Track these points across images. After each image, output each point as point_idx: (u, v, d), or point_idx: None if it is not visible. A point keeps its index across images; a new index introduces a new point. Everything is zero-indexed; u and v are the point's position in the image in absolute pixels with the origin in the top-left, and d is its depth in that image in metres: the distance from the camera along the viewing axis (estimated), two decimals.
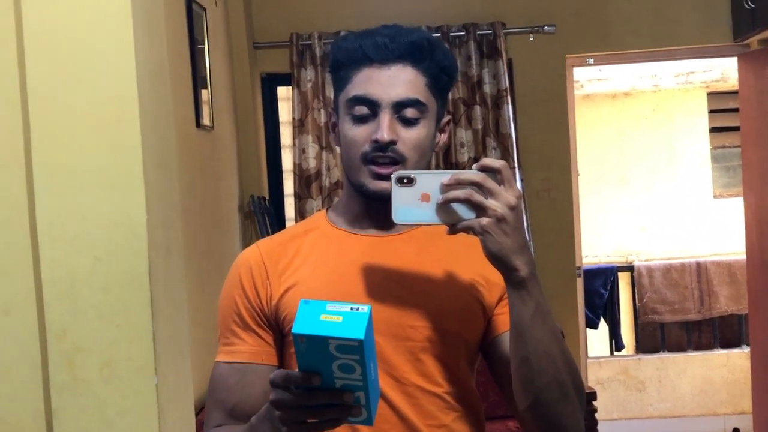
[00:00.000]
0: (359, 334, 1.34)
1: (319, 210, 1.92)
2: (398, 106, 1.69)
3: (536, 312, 1.58)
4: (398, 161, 1.69)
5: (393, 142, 1.68)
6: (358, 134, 1.70)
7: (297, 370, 1.41)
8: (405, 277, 1.74)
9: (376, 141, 1.68)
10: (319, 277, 1.73)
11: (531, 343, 1.59)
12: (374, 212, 1.75)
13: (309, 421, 1.44)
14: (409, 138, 1.70)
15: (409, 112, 1.70)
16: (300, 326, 1.36)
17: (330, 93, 5.11)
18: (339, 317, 1.36)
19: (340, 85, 1.74)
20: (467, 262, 1.77)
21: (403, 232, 1.77)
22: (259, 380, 1.74)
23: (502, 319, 1.75)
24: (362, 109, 1.69)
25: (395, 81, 1.69)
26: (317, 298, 1.68)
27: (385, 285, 1.73)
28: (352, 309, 1.38)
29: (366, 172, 1.69)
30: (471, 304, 1.76)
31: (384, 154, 1.68)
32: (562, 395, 1.63)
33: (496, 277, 1.68)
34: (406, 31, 1.73)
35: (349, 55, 1.71)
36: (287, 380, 1.42)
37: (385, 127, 1.67)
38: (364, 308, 1.38)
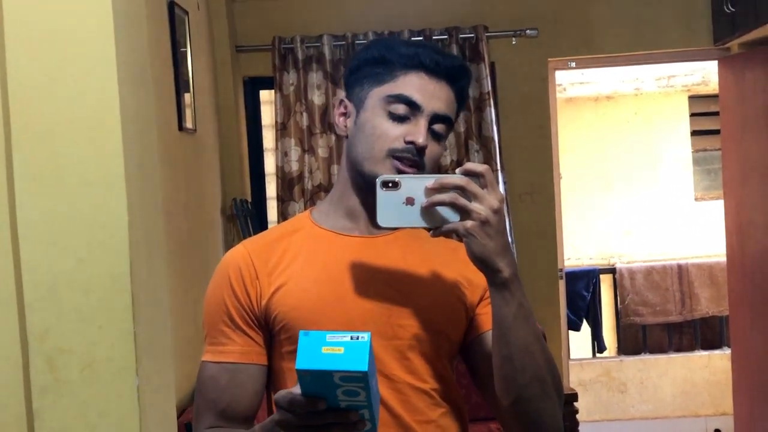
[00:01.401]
0: (363, 365, 1.38)
1: (302, 212, 1.94)
2: (434, 119, 1.75)
3: (518, 312, 1.62)
4: (419, 167, 1.73)
5: (425, 149, 1.72)
6: (392, 130, 1.74)
7: (300, 393, 1.44)
8: (392, 277, 1.77)
9: (411, 143, 1.72)
10: (309, 277, 1.76)
11: (513, 341, 1.64)
12: (370, 206, 1.77)
13: None
14: (433, 151, 1.76)
15: (439, 128, 1.76)
16: (303, 362, 1.38)
17: (313, 97, 5.12)
18: (340, 348, 1.39)
19: (376, 79, 1.77)
20: (450, 263, 1.81)
21: (389, 234, 1.80)
22: (250, 380, 1.78)
23: (484, 319, 1.79)
24: (401, 108, 1.74)
25: (439, 95, 1.75)
26: (308, 297, 1.71)
27: (373, 285, 1.76)
28: (352, 338, 1.40)
29: (389, 166, 1.72)
30: (455, 304, 1.80)
31: (412, 157, 1.72)
32: (543, 392, 1.68)
33: (478, 279, 1.75)
34: (452, 55, 1.84)
35: (401, 56, 1.76)
36: (292, 404, 1.45)
37: (423, 132, 1.72)
38: (364, 336, 1.41)
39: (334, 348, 1.39)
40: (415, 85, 1.74)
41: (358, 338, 1.40)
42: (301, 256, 1.78)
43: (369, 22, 5.22)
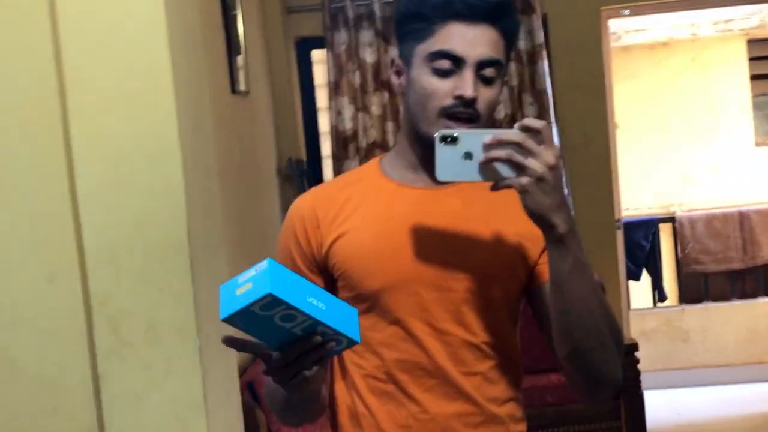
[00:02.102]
0: (265, 288, 1.39)
1: (374, 158, 1.96)
2: (481, 65, 1.73)
3: (574, 266, 1.63)
4: (474, 119, 1.73)
5: (475, 99, 1.72)
6: (439, 87, 1.73)
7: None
8: (451, 230, 1.79)
9: (460, 97, 1.71)
10: (367, 228, 1.79)
11: (569, 296, 1.64)
12: (428, 162, 1.77)
13: (302, 371, 1.52)
14: (486, 97, 1.74)
15: (489, 72, 1.74)
16: (223, 310, 1.42)
17: (364, 55, 5.13)
18: (249, 284, 1.41)
19: (417, 36, 1.76)
20: (511, 216, 1.79)
21: (451, 186, 1.80)
22: None
23: (545, 269, 1.79)
24: (445, 64, 1.73)
25: (481, 40, 1.73)
26: (365, 249, 1.76)
27: (430, 238, 1.77)
28: (257, 270, 1.42)
29: (442, 126, 1.71)
30: (514, 257, 1.80)
31: (465, 110, 1.72)
32: (600, 345, 1.68)
33: (538, 231, 1.74)
34: None
35: (434, 8, 1.73)
36: (265, 361, 1.53)
37: (470, 84, 1.71)
38: (263, 263, 1.42)
39: (244, 286, 1.41)
40: (453, 36, 1.72)
41: (260, 267, 1.42)
42: (362, 207, 1.82)
43: None
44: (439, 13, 1.73)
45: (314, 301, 1.44)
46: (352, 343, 1.50)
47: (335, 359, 1.85)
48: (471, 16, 1.72)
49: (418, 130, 1.77)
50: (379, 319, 1.77)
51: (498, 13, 1.74)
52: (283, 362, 1.50)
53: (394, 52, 1.84)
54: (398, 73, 1.83)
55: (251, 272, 1.42)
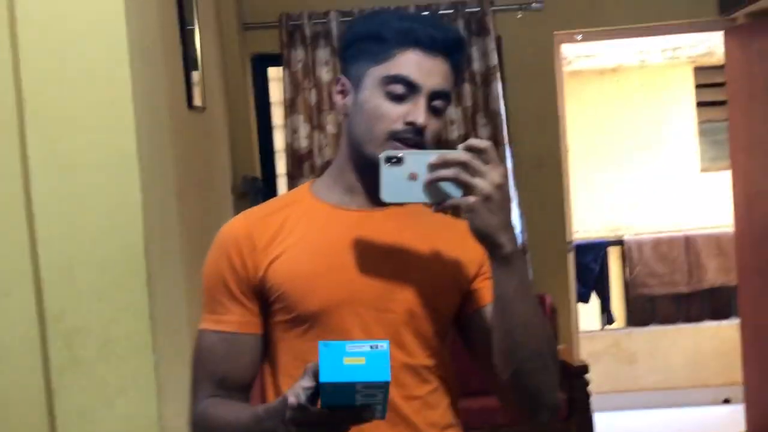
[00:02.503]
0: (385, 376, 1.39)
1: (302, 184, 1.95)
2: (434, 95, 1.74)
3: (519, 287, 1.63)
4: (420, 146, 1.73)
5: (425, 128, 1.72)
6: (391, 111, 1.73)
7: (319, 404, 1.46)
8: (388, 251, 1.78)
9: (411, 123, 1.72)
10: (305, 249, 1.77)
11: (514, 316, 1.65)
12: (367, 184, 1.78)
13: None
14: (434, 128, 1.75)
15: (439, 103, 1.76)
16: (326, 374, 1.39)
17: (321, 73, 5.12)
18: (362, 359, 1.40)
19: (373, 58, 1.76)
20: (445, 239, 1.82)
21: (386, 209, 1.79)
22: (248, 350, 1.79)
23: (481, 294, 1.80)
24: (399, 89, 1.73)
25: (436, 71, 1.74)
26: (303, 270, 1.73)
27: (368, 259, 1.76)
28: (372, 348, 1.41)
29: (389, 148, 1.70)
30: (449, 280, 1.81)
31: (413, 137, 1.72)
32: (542, 366, 1.69)
33: (473, 254, 1.78)
34: (446, 27, 1.81)
35: (396, 33, 1.74)
36: (310, 415, 1.47)
37: (423, 112, 1.72)
38: (384, 345, 1.42)
39: (355, 359, 1.40)
40: (412, 63, 1.73)
41: (377, 347, 1.41)
42: (298, 228, 1.79)
43: None
44: (401, 39, 1.74)
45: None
46: (380, 418, 1.50)
47: (270, 382, 1.82)
48: (430, 46, 1.74)
49: (362, 151, 1.76)
50: (318, 342, 1.75)
51: (454, 48, 1.77)
52: (325, 421, 1.47)
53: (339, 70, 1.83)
54: (343, 93, 1.82)
55: (364, 347, 1.41)
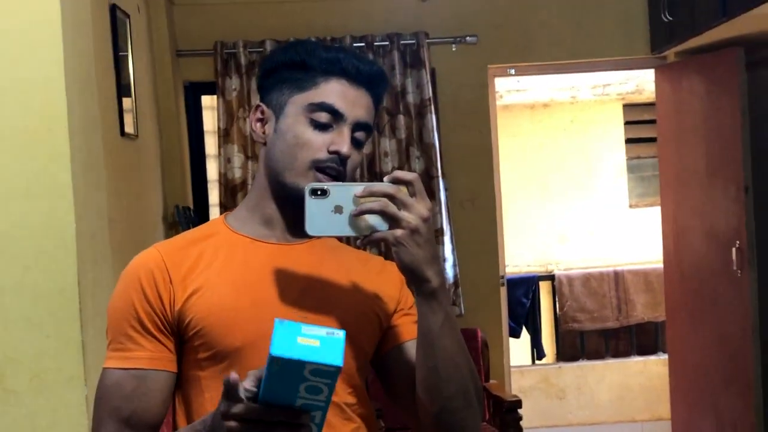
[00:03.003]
0: (338, 360, 1.36)
1: (215, 218, 1.90)
2: (356, 127, 1.73)
3: (445, 321, 1.61)
4: (341, 177, 1.71)
5: (348, 158, 1.70)
6: (315, 139, 1.70)
7: (258, 385, 1.40)
8: (308, 285, 1.74)
9: (336, 152, 1.69)
10: (225, 282, 1.71)
11: (440, 351, 1.62)
12: (286, 215, 1.76)
13: None
14: (355, 159, 1.74)
15: (360, 135, 1.74)
16: (278, 349, 1.35)
17: (256, 101, 5.09)
18: (316, 341, 1.37)
19: (296, 85, 1.73)
20: (363, 274, 1.80)
21: (305, 242, 1.77)
22: (159, 387, 1.70)
23: (399, 331, 1.78)
24: (324, 117, 1.70)
25: (359, 102, 1.73)
26: (223, 305, 1.68)
27: (289, 292, 1.72)
28: (327, 333, 1.38)
29: (311, 177, 1.68)
30: (369, 315, 1.78)
31: (336, 167, 1.70)
32: (467, 403, 1.67)
33: (391, 290, 1.77)
34: (370, 61, 1.80)
35: (322, 62, 1.72)
36: (248, 411, 1.41)
37: (347, 142, 1.70)
38: (339, 333, 1.39)
39: (309, 340, 1.37)
40: (337, 92, 1.72)
41: (333, 334, 1.39)
42: (217, 261, 1.74)
43: (311, 27, 5.21)
44: (326, 68, 1.72)
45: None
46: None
47: (183, 421, 1.75)
48: (355, 77, 1.73)
49: (282, 181, 1.73)
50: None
51: (376, 81, 1.77)
52: (259, 417, 1.41)
53: (257, 98, 1.79)
54: (262, 121, 1.78)
55: (321, 330, 1.38)
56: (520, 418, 4.71)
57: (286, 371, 1.36)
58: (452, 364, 1.63)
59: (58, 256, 2.51)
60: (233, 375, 1.41)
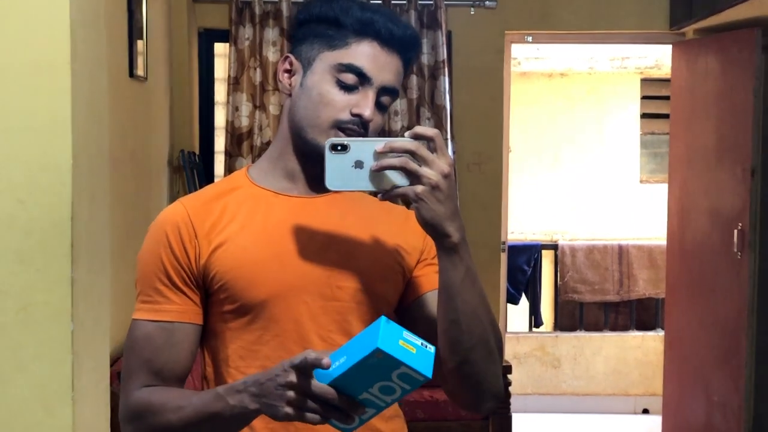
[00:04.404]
0: (429, 372, 1.41)
1: (238, 170, 1.91)
2: (382, 91, 1.73)
3: (466, 275, 1.62)
4: (362, 137, 1.71)
5: (369, 122, 1.71)
6: (339, 99, 1.71)
7: (340, 369, 1.44)
8: (331, 238, 1.76)
9: (358, 115, 1.70)
10: (248, 236, 1.73)
11: (461, 305, 1.62)
12: (308, 170, 1.76)
13: (318, 416, 1.47)
14: (377, 122, 1.74)
15: (386, 99, 1.74)
16: (385, 344, 1.39)
17: (267, 53, 5.09)
18: (413, 348, 1.42)
19: (327, 42, 1.73)
20: (387, 226, 1.80)
21: (327, 195, 1.78)
22: (187, 339, 1.74)
23: (423, 281, 1.79)
24: (351, 78, 1.71)
25: (389, 67, 1.73)
26: (247, 258, 1.70)
27: (312, 246, 1.74)
28: (422, 344, 1.44)
29: (332, 136, 1.68)
30: (393, 266, 1.79)
31: (357, 129, 1.70)
32: (488, 355, 1.68)
33: (413, 241, 1.78)
34: (405, 24, 1.78)
35: (356, 21, 1.72)
36: (315, 389, 1.45)
37: (371, 106, 1.70)
38: (431, 348, 1.44)
39: (408, 345, 1.42)
40: (367, 55, 1.71)
41: (426, 346, 1.44)
42: (240, 216, 1.76)
43: None
44: (359, 28, 1.72)
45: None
46: (348, 430, 1.50)
47: (211, 372, 1.79)
48: (388, 40, 1.72)
49: (304, 136, 1.74)
50: (265, 331, 1.71)
51: (409, 46, 1.76)
52: (323, 398, 1.45)
53: (288, 47, 1.79)
54: (290, 72, 1.79)
55: (417, 340, 1.44)
56: (509, 384, 4.73)
57: (379, 366, 1.40)
58: (473, 317, 1.63)
59: (53, 191, 2.52)
60: (314, 354, 1.45)
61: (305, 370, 1.45)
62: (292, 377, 1.46)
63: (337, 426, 1.49)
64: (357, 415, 1.47)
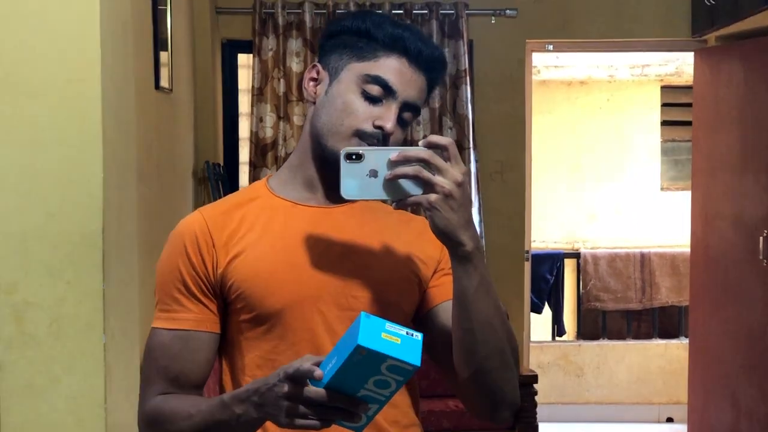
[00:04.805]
0: (417, 360, 1.41)
1: (258, 180, 1.92)
2: (405, 107, 1.74)
3: (480, 284, 1.62)
4: None
5: (390, 135, 1.72)
6: (363, 110, 1.72)
7: (331, 370, 1.44)
8: (348, 248, 1.77)
9: (380, 128, 1.71)
10: (265, 246, 1.74)
11: (475, 314, 1.63)
12: (327, 179, 1.77)
13: (310, 417, 1.47)
14: (398, 137, 1.75)
15: (408, 116, 1.76)
16: (365, 339, 1.39)
17: (291, 64, 5.10)
18: (397, 339, 1.42)
19: (357, 53, 1.75)
20: (403, 236, 1.81)
21: (345, 205, 1.79)
22: (203, 348, 1.75)
23: (439, 291, 1.80)
24: (376, 90, 1.72)
25: (414, 84, 1.74)
26: (265, 268, 1.71)
27: (328, 256, 1.75)
28: (407, 333, 1.43)
29: (353, 145, 1.70)
30: (408, 277, 1.80)
31: (378, 141, 1.71)
32: (503, 364, 1.68)
33: (431, 251, 1.79)
34: (434, 45, 1.80)
35: (387, 36, 1.74)
36: (308, 393, 1.45)
37: (393, 119, 1.72)
38: (418, 335, 1.44)
39: (392, 336, 1.41)
40: (394, 69, 1.73)
41: (412, 335, 1.43)
42: (258, 226, 1.77)
43: None
44: (390, 43, 1.74)
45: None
46: (358, 429, 1.51)
47: (229, 381, 1.80)
48: (416, 58, 1.74)
49: (324, 144, 1.75)
50: (281, 341, 1.72)
51: (435, 66, 1.78)
52: (321, 402, 1.45)
53: (316, 57, 1.80)
54: (316, 80, 1.80)
55: (401, 329, 1.43)
56: (535, 393, 4.72)
57: (366, 362, 1.40)
58: (488, 327, 1.64)
59: (83, 205, 2.54)
60: (307, 365, 1.45)
61: (299, 379, 1.46)
62: (286, 387, 1.47)
63: (346, 425, 1.49)
64: (361, 412, 1.47)
